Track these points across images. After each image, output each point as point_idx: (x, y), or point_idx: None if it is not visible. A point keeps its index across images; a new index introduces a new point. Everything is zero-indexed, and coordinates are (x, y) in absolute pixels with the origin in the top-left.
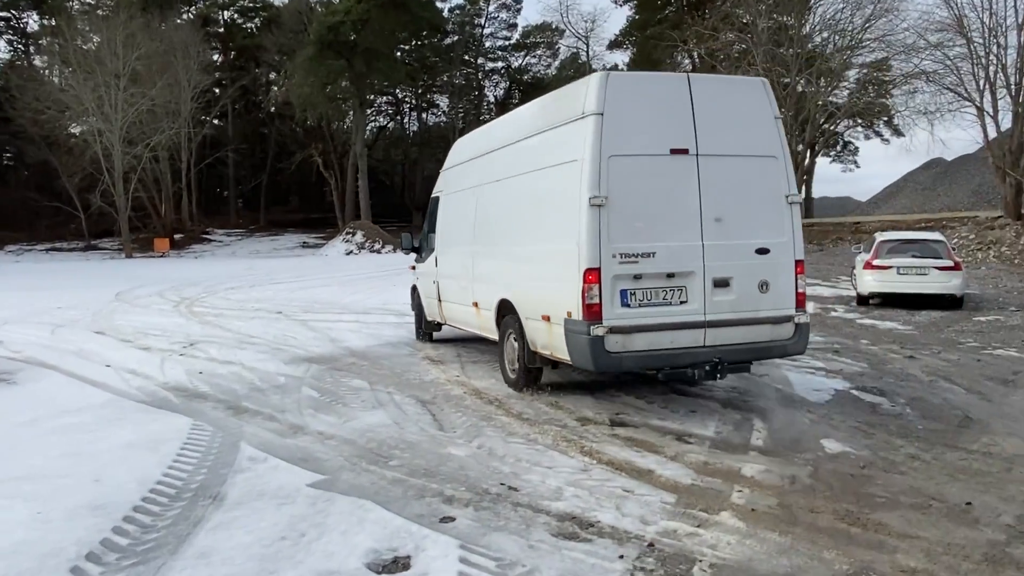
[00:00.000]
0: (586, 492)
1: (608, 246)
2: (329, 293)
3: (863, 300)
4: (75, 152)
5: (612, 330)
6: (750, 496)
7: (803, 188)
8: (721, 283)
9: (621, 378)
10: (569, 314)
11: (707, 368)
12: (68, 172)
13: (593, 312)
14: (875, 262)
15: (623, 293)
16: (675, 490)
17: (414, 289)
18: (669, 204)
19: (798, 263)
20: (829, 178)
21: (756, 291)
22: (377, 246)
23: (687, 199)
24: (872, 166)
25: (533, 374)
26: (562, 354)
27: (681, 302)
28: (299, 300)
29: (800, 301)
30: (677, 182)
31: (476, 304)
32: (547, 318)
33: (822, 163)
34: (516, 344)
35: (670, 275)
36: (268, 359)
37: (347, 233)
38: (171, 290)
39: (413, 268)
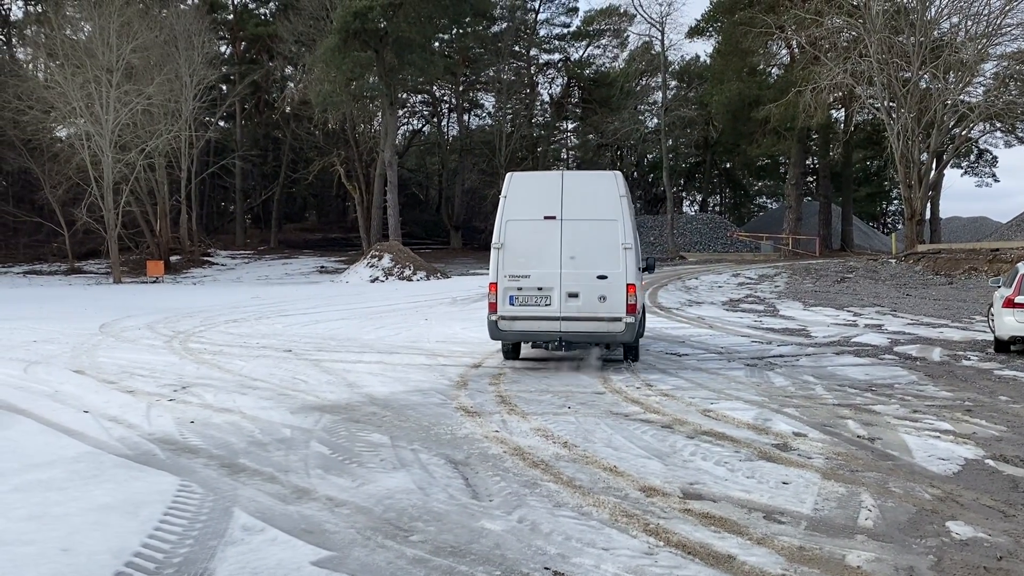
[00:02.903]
0: None
1: (502, 271)
2: (348, 328)
3: (1003, 346)
4: (60, 159)
5: (502, 318)
6: None
7: (927, 205)
8: (573, 295)
9: (696, 438)
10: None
11: (556, 343)
12: (51, 182)
13: (492, 307)
14: (1018, 299)
15: (511, 297)
16: None
17: None
18: (542, 248)
19: (629, 285)
20: (961, 194)
21: (597, 301)
22: (408, 272)
23: (553, 245)
24: (1014, 180)
25: (511, 347)
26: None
27: (546, 305)
28: (313, 336)
29: (630, 309)
30: (547, 235)
31: None
32: None
33: (952, 175)
34: None
35: (540, 288)
36: (272, 407)
37: (372, 256)
38: (164, 322)
39: None
